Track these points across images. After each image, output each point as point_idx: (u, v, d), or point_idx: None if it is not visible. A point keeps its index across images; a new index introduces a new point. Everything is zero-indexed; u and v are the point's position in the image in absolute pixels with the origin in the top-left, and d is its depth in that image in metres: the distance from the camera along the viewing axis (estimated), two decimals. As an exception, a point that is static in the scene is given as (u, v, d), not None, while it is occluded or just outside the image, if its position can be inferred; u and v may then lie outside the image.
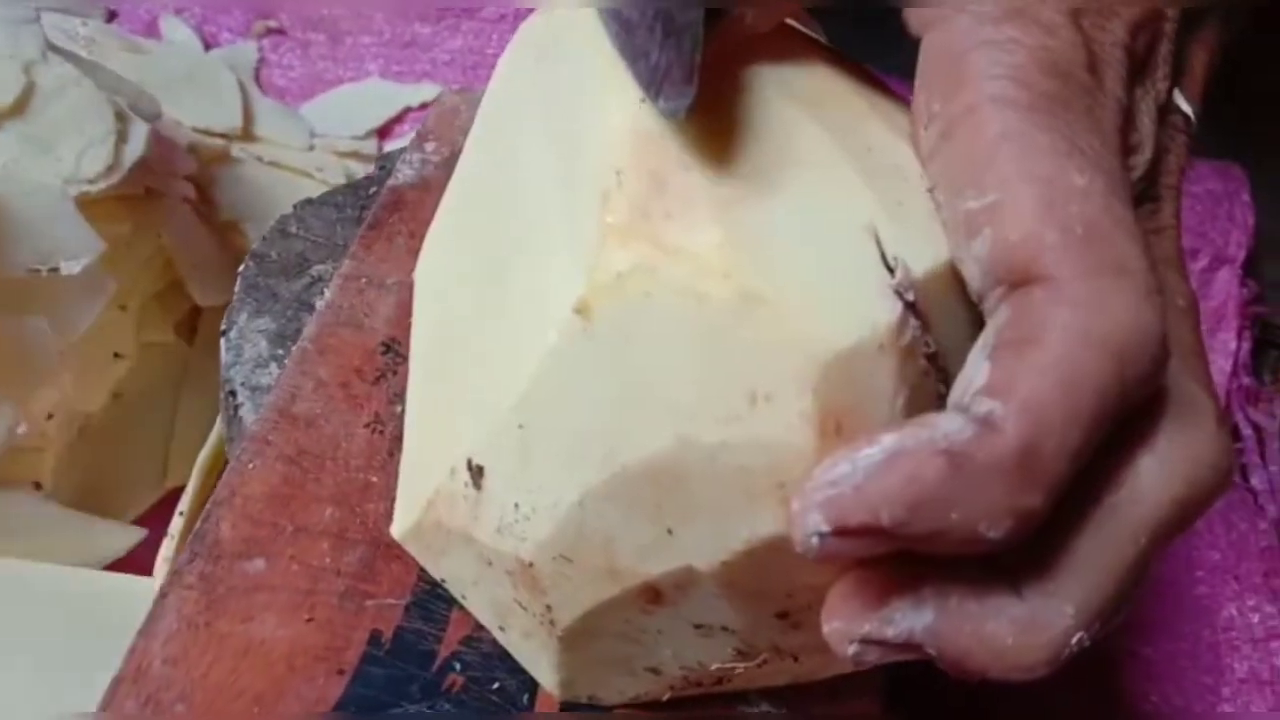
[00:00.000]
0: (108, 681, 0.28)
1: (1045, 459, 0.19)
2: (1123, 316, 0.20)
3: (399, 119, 0.68)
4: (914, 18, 0.24)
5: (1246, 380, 0.65)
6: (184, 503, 0.45)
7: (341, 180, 0.59)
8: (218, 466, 0.46)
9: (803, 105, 0.24)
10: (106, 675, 0.28)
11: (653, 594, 0.25)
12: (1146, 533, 0.21)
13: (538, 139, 0.27)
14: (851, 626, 0.22)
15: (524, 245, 0.26)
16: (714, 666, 0.28)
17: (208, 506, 0.31)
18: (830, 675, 0.30)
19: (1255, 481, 0.62)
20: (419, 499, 0.29)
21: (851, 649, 0.23)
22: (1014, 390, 0.20)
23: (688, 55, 0.22)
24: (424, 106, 0.68)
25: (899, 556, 0.22)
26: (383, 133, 0.67)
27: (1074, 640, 0.21)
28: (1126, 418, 0.21)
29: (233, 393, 0.35)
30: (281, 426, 0.32)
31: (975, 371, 0.20)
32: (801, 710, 0.31)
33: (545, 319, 0.23)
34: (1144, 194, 0.24)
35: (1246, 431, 0.64)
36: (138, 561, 0.46)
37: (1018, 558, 0.22)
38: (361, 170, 0.63)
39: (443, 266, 0.34)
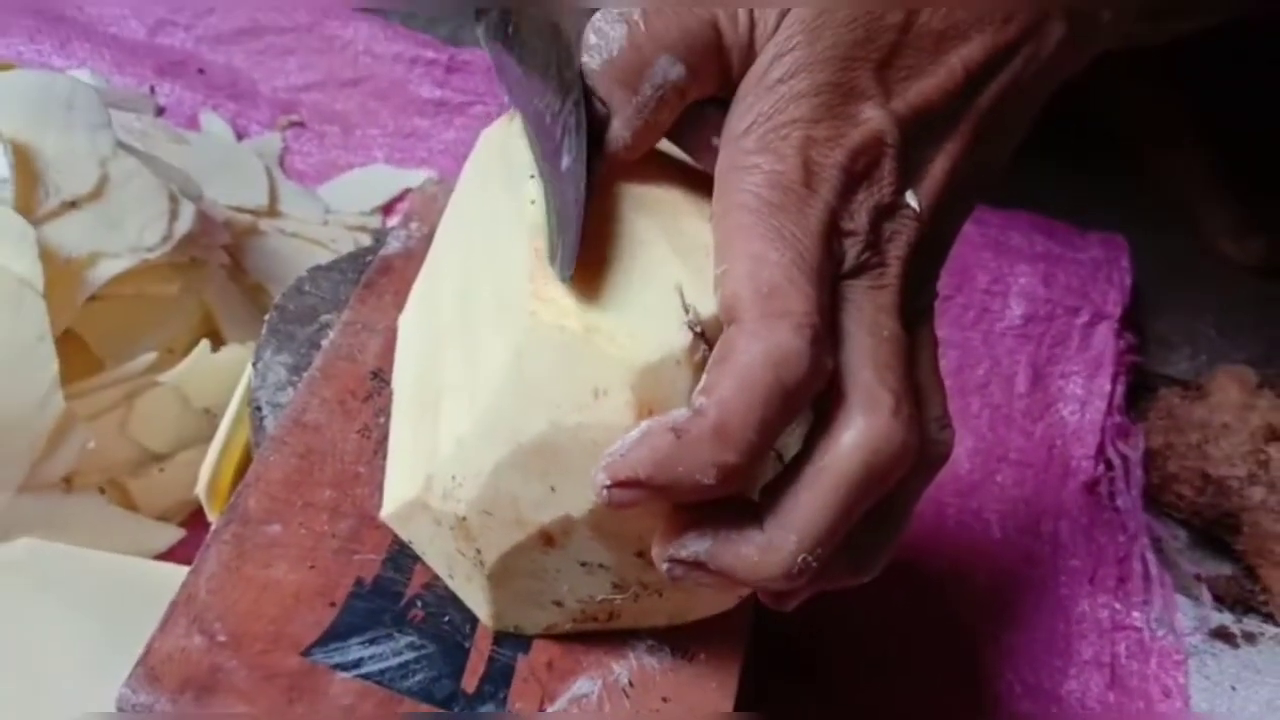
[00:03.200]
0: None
1: (732, 431, 0.29)
2: (779, 342, 0.30)
3: (400, 198, 0.77)
4: (721, 138, 0.35)
5: (1119, 419, 0.74)
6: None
7: (350, 249, 0.68)
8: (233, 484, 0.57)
9: (644, 207, 0.35)
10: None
11: (547, 538, 0.36)
12: (844, 484, 0.31)
13: (484, 230, 0.39)
14: (661, 550, 0.33)
15: (472, 313, 0.38)
16: (599, 598, 0.38)
17: (239, 487, 0.42)
18: (699, 617, 0.41)
19: (1120, 503, 0.70)
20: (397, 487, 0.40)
21: (665, 567, 0.33)
22: (714, 390, 0.30)
23: (570, 247, 0.32)
24: (421, 189, 0.79)
25: (694, 506, 0.33)
26: (386, 210, 0.77)
27: (799, 559, 0.31)
28: (819, 406, 0.32)
29: (258, 408, 0.46)
30: (294, 432, 0.44)
31: (703, 380, 0.31)
32: (679, 646, 0.41)
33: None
34: (867, 262, 0.34)
35: (1117, 462, 0.73)
36: (178, 555, 0.55)
37: (765, 504, 0.32)
38: (367, 241, 0.71)
39: (419, 318, 0.45)
